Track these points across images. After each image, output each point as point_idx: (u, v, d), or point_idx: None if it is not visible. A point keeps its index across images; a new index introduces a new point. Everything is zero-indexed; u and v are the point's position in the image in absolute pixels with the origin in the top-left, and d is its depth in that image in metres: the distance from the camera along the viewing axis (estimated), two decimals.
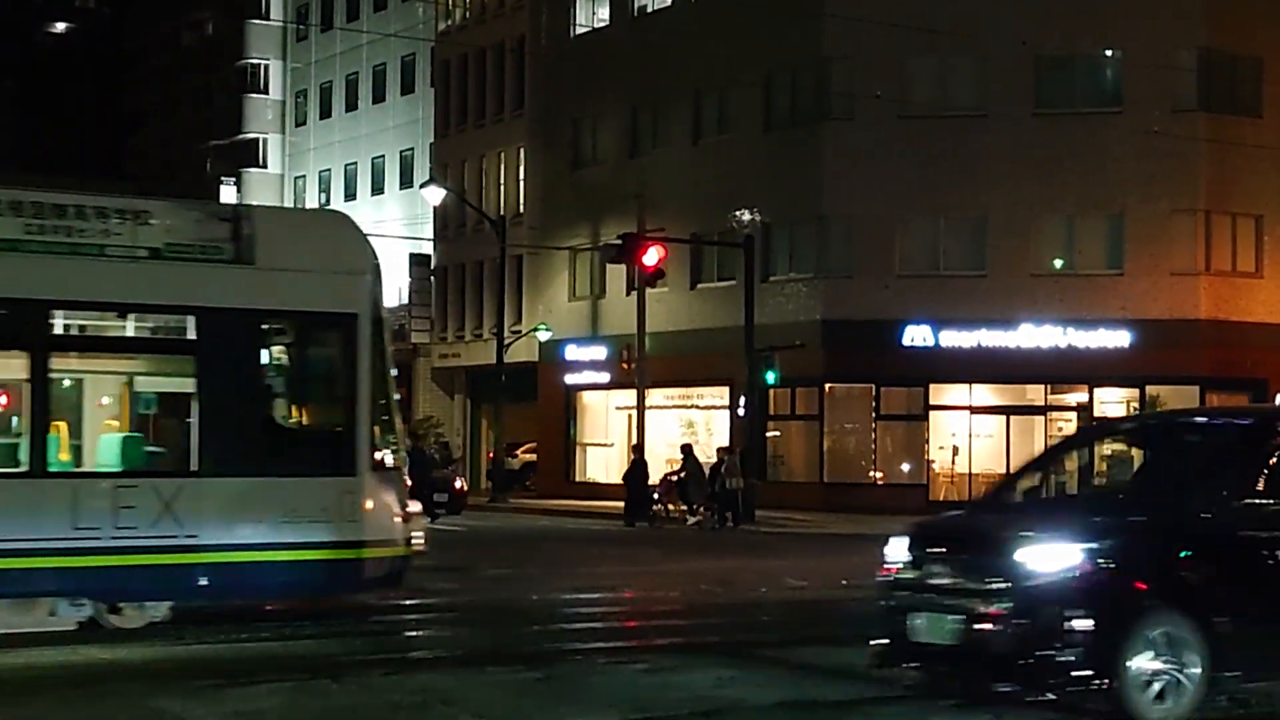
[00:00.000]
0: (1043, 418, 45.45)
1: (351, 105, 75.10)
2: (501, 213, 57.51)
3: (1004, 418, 45.61)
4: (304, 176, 79.19)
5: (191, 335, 16.63)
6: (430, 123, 67.17)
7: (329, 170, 76.61)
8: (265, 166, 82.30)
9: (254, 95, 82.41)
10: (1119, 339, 43.97)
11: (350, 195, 73.28)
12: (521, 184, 60.30)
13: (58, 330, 16.61)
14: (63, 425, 16.86)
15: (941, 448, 45.87)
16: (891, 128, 44.94)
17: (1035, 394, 45.70)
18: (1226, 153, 43.73)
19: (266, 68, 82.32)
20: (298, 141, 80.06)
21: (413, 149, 70.02)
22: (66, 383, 17.58)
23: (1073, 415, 45.11)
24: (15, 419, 16.66)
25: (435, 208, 60.50)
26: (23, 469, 15.84)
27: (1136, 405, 44.21)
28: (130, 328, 17.27)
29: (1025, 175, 44.53)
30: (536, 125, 58.80)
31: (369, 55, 73.07)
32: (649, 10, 53.42)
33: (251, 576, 16.58)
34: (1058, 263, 45.00)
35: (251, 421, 16.99)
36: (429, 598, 20.20)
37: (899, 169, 44.99)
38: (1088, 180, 44.50)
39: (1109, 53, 45.19)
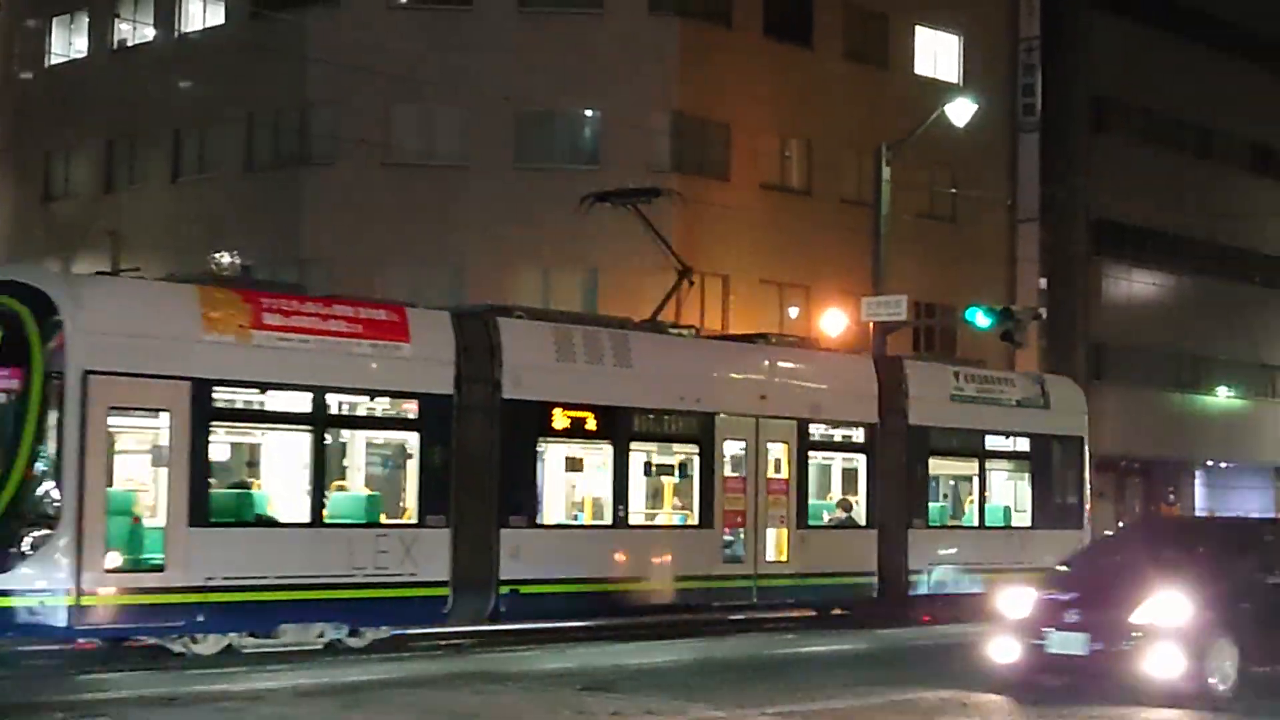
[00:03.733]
0: None
1: None
2: None
3: None
4: None
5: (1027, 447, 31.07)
6: None
7: None
8: None
9: None
10: None
11: None
12: None
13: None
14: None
15: None
16: (374, 174, 44.95)
17: None
18: (696, 213, 45.47)
19: None
20: None
21: None
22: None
23: None
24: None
25: None
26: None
27: None
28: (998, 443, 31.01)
29: (504, 227, 45.22)
30: (6, 155, 56.32)
31: None
32: (129, 44, 51.93)
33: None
34: None
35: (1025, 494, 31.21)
36: None
37: (381, 215, 44.99)
38: (565, 235, 45.48)
39: (588, 112, 46.45)
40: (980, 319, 35.51)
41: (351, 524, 21.16)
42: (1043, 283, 54.79)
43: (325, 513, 20.87)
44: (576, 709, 15.45)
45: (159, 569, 19.01)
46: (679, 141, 45.99)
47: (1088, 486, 31.92)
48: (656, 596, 24.38)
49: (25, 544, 18.11)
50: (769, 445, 26.16)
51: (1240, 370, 60.03)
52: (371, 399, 21.70)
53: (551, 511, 23.98)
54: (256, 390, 20.56)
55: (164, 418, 19.29)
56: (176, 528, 19.17)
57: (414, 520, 21.65)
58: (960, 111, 38.96)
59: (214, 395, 19.78)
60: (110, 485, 19.01)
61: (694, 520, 25.12)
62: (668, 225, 45.34)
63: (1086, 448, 31.70)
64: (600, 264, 45.49)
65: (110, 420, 18.83)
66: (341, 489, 21.79)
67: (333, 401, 21.19)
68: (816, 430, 27.31)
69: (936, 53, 52.52)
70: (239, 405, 20.58)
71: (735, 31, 47.42)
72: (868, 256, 39.74)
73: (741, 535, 25.54)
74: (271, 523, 20.61)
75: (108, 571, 18.56)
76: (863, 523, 27.83)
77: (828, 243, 47.16)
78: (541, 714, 15.35)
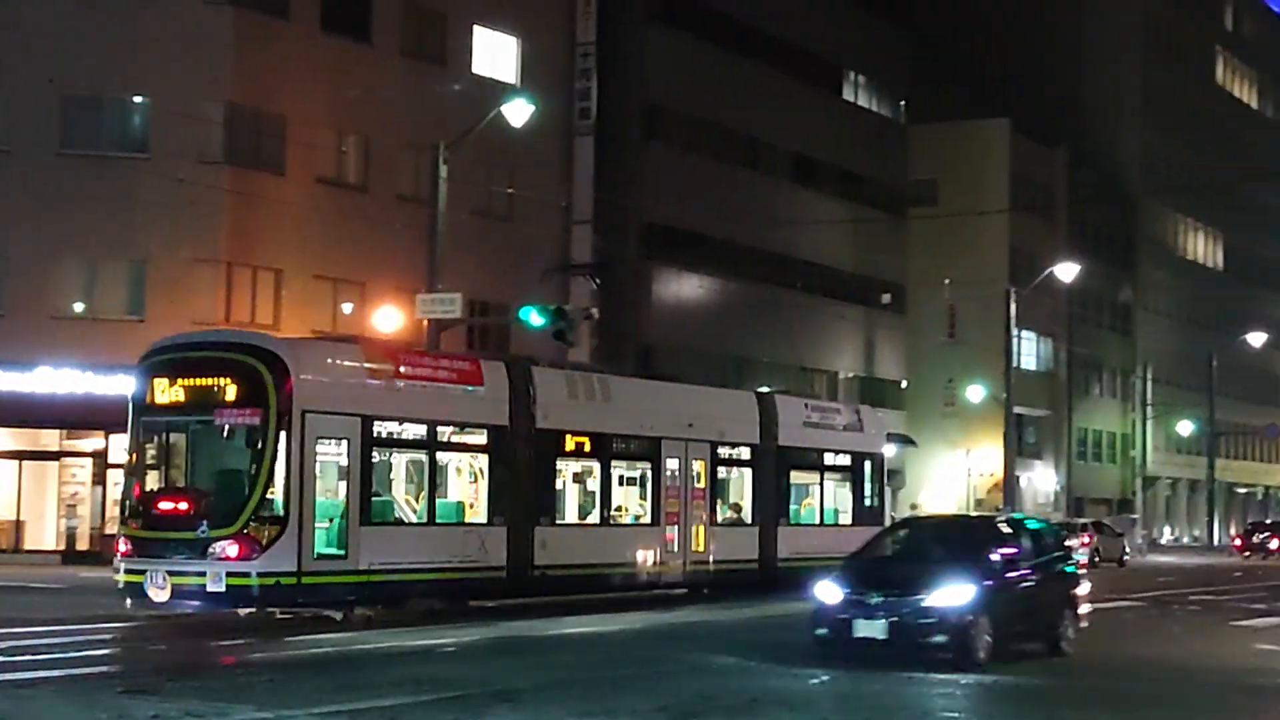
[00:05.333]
0: (57, 463, 44.60)
1: None
2: None
3: (17, 462, 44.36)
4: None
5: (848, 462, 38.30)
6: None
7: None
8: None
9: None
10: None
11: None
12: None
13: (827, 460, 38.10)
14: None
15: None
16: None
17: (50, 439, 44.71)
18: (250, 206, 44.74)
19: None
20: None
21: None
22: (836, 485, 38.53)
23: (88, 462, 44.49)
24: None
25: None
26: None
27: None
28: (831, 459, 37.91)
29: (48, 216, 43.58)
30: None
31: None
32: None
33: None
34: (79, 306, 44.32)
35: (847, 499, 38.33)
36: None
37: None
38: (112, 224, 44.16)
39: (138, 99, 45.16)
40: (534, 318, 36.01)
41: (450, 524, 27.95)
42: (595, 284, 55.87)
43: (435, 515, 27.63)
44: (115, 712, 15.01)
45: (343, 557, 25.29)
46: (232, 133, 45.15)
47: (886, 492, 41.16)
48: (627, 578, 31.78)
49: (265, 539, 24.05)
50: (693, 461, 33.33)
51: (782, 372, 62.36)
52: (461, 430, 28.49)
53: (565, 513, 30.99)
54: (396, 423, 27.01)
55: (345, 444, 25.54)
56: (353, 527, 25.46)
57: (485, 520, 28.42)
58: (517, 112, 39.38)
59: (374, 426, 26.18)
60: (317, 495, 24.87)
61: (647, 520, 32.33)
62: (218, 216, 44.57)
63: (885, 463, 40.15)
64: (150, 255, 44.28)
65: (318, 447, 24.92)
66: (444, 497, 28.40)
67: (439, 431, 27.89)
68: (722, 450, 34.45)
69: (495, 53, 52.98)
70: (386, 434, 26.85)
71: (292, 23, 46.82)
72: (424, 254, 39.77)
73: (677, 531, 32.74)
74: (401, 523, 27.31)
75: (316, 559, 24.75)
76: (749, 521, 35.29)
77: (384, 239, 47.03)
78: (79, 716, 14.87)
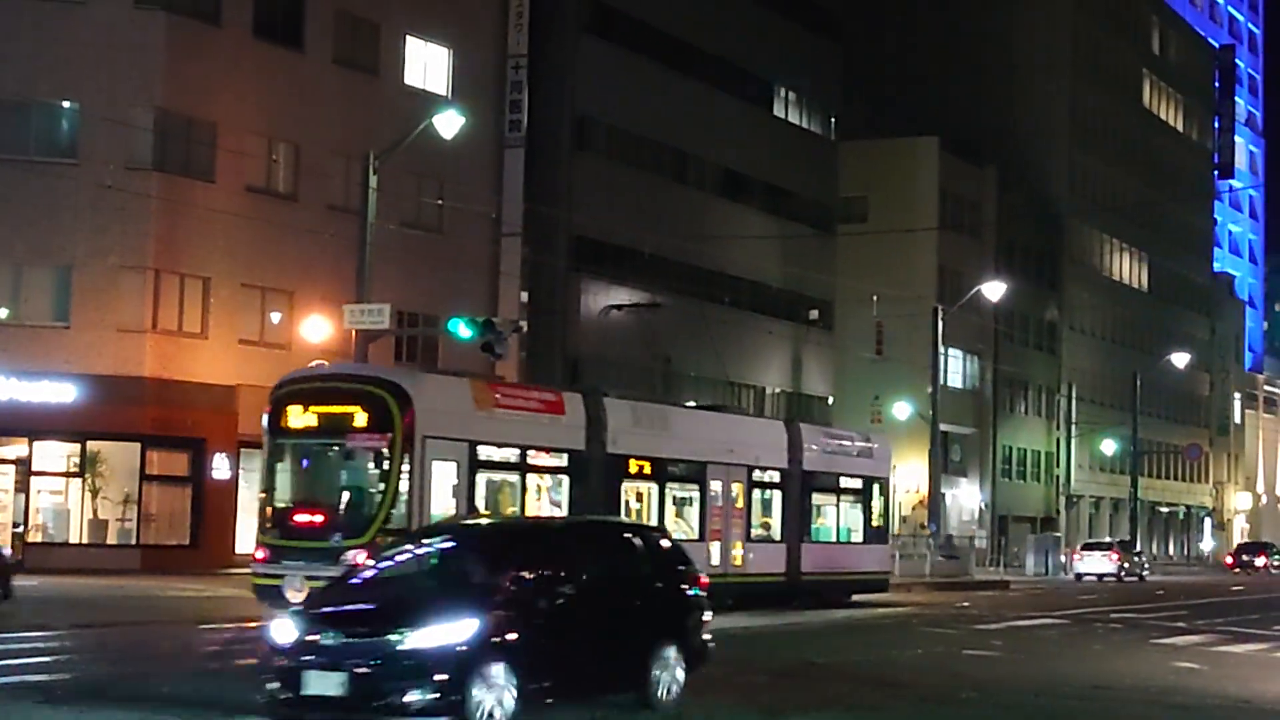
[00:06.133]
0: None
1: None
2: None
3: None
4: None
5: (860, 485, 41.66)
6: None
7: None
8: None
9: None
10: (63, 393, 43.46)
11: None
12: None
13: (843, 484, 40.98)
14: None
15: None
16: None
17: None
18: (179, 213, 44.47)
19: None
20: None
21: None
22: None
23: (10, 469, 44.06)
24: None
25: None
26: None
27: (78, 460, 43.90)
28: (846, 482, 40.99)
29: None
30: None
31: None
32: None
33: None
34: (2, 312, 43.91)
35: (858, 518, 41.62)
36: None
37: None
38: (38, 230, 43.82)
39: (67, 104, 44.84)
40: (462, 330, 35.99)
41: None
42: (524, 296, 55.89)
43: None
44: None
45: None
46: (162, 139, 44.89)
47: (890, 513, 46.50)
48: None
49: (389, 550, 24.11)
50: (733, 484, 36.57)
51: (709, 385, 62.55)
52: (547, 453, 31.67)
53: None
54: (495, 447, 30.14)
55: (454, 465, 28.89)
56: None
57: None
58: (448, 124, 39.36)
59: (478, 450, 29.51)
60: (432, 510, 27.94)
61: (694, 536, 34.61)
62: (146, 223, 44.29)
63: (890, 486, 45.09)
64: (76, 261, 43.96)
65: (434, 468, 28.18)
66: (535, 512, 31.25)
67: (529, 454, 31.06)
68: (756, 474, 37.58)
69: (427, 64, 52.92)
70: (487, 457, 29.99)
71: (224, 29, 46.62)
72: (353, 264, 39.66)
73: (719, 546, 35.82)
74: None
75: None
76: (778, 538, 38.35)
77: (313, 249, 46.85)
78: None
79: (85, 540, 43.90)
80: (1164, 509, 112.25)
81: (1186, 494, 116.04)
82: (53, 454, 44.34)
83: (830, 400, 75.26)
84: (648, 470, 34.20)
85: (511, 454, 30.64)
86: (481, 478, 29.83)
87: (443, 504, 28.43)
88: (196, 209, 44.75)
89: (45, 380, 43.40)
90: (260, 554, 27.99)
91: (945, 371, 71.32)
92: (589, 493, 31.94)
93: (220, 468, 45.33)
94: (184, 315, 45.49)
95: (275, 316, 47.47)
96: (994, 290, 66.51)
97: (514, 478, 30.79)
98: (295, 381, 29.26)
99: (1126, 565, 68.27)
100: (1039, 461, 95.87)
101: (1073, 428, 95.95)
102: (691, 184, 66.37)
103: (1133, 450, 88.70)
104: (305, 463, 28.91)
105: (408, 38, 52.39)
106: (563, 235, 58.60)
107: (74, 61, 44.13)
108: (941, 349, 64.40)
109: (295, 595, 25.79)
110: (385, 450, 27.67)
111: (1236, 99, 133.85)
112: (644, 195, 62.46)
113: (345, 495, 28.43)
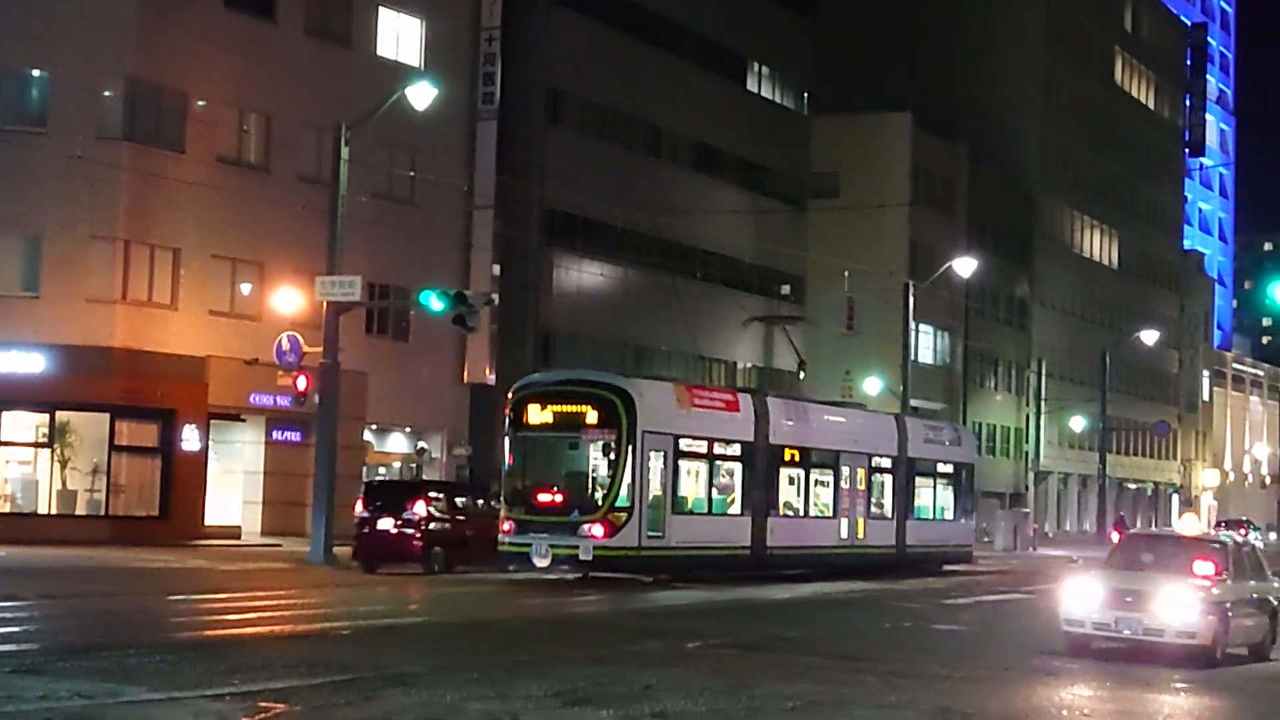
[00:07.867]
0: None
1: None
2: None
3: None
4: None
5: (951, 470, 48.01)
6: None
7: None
8: None
9: None
10: (32, 363, 43.30)
11: None
12: None
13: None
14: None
15: None
16: None
17: None
18: (149, 183, 44.26)
19: None
20: None
21: None
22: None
23: None
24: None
25: None
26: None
27: (47, 430, 43.77)
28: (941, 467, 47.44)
29: None
30: None
31: None
32: None
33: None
34: None
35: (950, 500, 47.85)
36: None
37: None
38: (7, 199, 43.61)
39: (35, 72, 44.60)
40: (434, 302, 36.00)
41: (720, 514, 36.97)
42: (496, 269, 55.81)
43: (712, 508, 36.68)
44: (4, 692, 14.83)
45: (661, 538, 34.40)
46: (132, 109, 44.66)
47: (978, 494, 53.67)
48: (820, 558, 40.83)
49: (619, 524, 33.29)
50: (857, 470, 42.31)
51: (680, 360, 62.56)
52: (726, 445, 37.22)
53: (784, 508, 39.50)
54: (692, 439, 35.94)
55: (663, 455, 34.60)
56: (667, 516, 34.64)
57: (739, 512, 37.48)
58: (420, 95, 39.24)
59: (680, 442, 35.33)
60: (648, 492, 34.11)
61: (830, 514, 41.11)
62: (116, 193, 44.09)
63: (976, 471, 50.87)
64: (45, 231, 43.76)
65: (650, 456, 34.12)
66: (717, 495, 37.05)
67: (715, 445, 36.80)
68: (873, 460, 43.33)
69: (399, 35, 52.71)
70: (686, 448, 35.68)
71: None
72: (324, 235, 39.57)
73: (846, 522, 41.73)
74: (694, 513, 36.00)
75: (647, 538, 33.95)
76: (889, 516, 44.06)
77: (284, 220, 46.71)
78: None
79: (54, 511, 43.77)
80: (1132, 485, 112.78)
81: (1155, 471, 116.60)
82: (21, 424, 44.18)
83: (802, 375, 75.35)
84: (798, 458, 39.85)
85: (702, 445, 36.39)
86: (683, 465, 35.51)
87: (654, 487, 34.27)
88: (167, 179, 44.55)
89: (14, 350, 43.23)
90: (507, 526, 33.95)
91: (916, 347, 71.46)
92: (756, 477, 37.79)
93: (190, 439, 45.22)
94: (154, 286, 45.31)
95: (246, 288, 47.33)
96: (965, 266, 66.64)
97: (703, 466, 36.52)
98: (534, 385, 35.32)
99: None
100: (1008, 437, 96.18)
101: (1042, 404, 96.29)
102: (664, 158, 66.29)
103: (1101, 427, 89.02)
104: (543, 452, 34.97)
105: (380, 9, 52.16)
106: (535, 208, 58.50)
107: (44, 30, 43.86)
108: (912, 324, 64.57)
109: (541, 560, 33.21)
110: (613, 443, 33.70)
111: (1208, 77, 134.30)
112: (617, 169, 62.36)
113: (580, 479, 34.34)
